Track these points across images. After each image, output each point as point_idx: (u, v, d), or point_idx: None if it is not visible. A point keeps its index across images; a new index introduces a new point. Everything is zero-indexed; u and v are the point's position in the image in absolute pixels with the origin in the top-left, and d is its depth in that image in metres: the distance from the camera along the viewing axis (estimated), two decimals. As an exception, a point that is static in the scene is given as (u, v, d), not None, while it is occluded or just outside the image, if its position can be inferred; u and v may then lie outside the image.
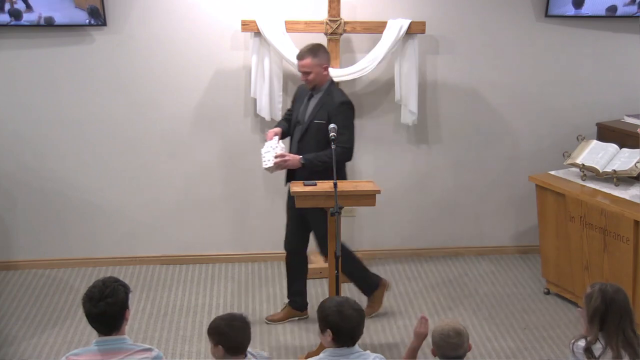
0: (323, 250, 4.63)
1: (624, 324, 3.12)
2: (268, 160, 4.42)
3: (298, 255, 4.79)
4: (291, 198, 4.51)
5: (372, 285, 4.82)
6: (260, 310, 4.99)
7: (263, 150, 4.46)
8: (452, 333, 3.08)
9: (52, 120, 5.30)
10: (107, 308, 2.93)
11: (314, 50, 4.49)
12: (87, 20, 5.05)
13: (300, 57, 4.50)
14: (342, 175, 4.56)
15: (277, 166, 4.43)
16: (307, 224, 4.65)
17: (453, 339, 3.07)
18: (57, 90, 5.26)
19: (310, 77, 4.48)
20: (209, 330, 3.15)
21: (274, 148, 4.44)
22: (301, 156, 4.43)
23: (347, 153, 4.48)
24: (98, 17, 5.05)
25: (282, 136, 4.63)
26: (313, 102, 4.53)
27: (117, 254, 5.57)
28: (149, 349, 3.05)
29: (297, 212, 4.52)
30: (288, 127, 4.69)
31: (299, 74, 5.27)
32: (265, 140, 4.54)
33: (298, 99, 4.68)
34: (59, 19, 5.01)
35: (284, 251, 5.75)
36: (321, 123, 4.44)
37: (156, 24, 5.21)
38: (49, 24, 5.01)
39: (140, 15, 5.18)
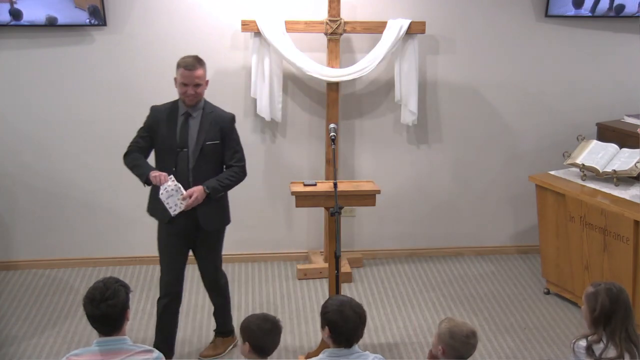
0: (213, 284, 4.28)
1: (627, 322, 3.15)
2: (175, 204, 3.95)
3: (178, 298, 4.25)
4: (173, 235, 4.08)
5: (230, 327, 4.51)
6: (260, 310, 4.99)
7: (164, 197, 3.93)
8: (470, 333, 3.06)
9: (52, 120, 5.30)
10: (108, 310, 2.94)
11: (201, 61, 4.04)
12: (88, 20, 5.05)
13: (192, 66, 3.97)
14: (226, 196, 4.24)
15: (186, 207, 3.99)
16: (185, 260, 4.21)
17: (472, 339, 3.06)
18: (58, 90, 5.26)
19: (200, 89, 4.00)
20: (240, 326, 3.18)
21: (176, 190, 3.94)
22: (204, 186, 4.00)
23: (245, 170, 4.17)
24: (98, 17, 5.05)
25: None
26: (195, 122, 4.03)
27: (117, 254, 5.57)
28: (150, 350, 3.05)
29: (182, 249, 4.15)
30: (145, 155, 4.13)
31: (300, 74, 5.30)
32: (157, 185, 3.97)
33: (161, 122, 4.06)
34: (59, 19, 5.01)
35: (283, 251, 5.78)
36: (215, 144, 4.04)
37: (156, 24, 5.22)
38: (49, 24, 5.01)
39: (140, 15, 5.18)
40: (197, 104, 4.05)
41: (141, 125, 4.17)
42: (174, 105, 4.10)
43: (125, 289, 3.03)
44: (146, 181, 4.01)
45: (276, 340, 3.16)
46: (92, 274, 5.45)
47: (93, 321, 2.99)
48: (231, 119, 4.14)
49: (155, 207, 4.08)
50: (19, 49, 5.15)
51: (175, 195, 3.95)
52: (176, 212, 3.98)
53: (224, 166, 4.15)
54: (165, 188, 3.94)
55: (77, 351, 3.03)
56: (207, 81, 4.10)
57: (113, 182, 5.44)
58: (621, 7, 5.42)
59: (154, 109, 4.15)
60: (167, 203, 3.96)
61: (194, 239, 4.17)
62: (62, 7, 4.98)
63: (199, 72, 3.99)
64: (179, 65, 4.02)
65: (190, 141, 4.02)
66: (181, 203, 3.96)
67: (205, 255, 4.26)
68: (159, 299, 4.22)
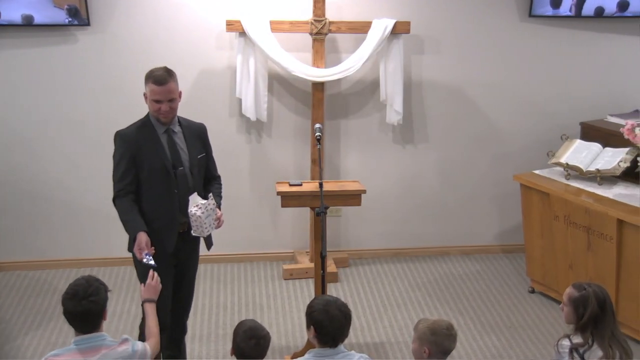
0: (184, 319, 4.02)
1: (613, 325, 3.20)
2: (210, 225, 3.69)
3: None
4: (166, 274, 3.64)
5: None
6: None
7: (204, 216, 3.61)
8: (449, 326, 3.09)
9: (37, 120, 5.26)
10: (90, 306, 2.92)
11: (172, 72, 3.65)
12: (66, 20, 5.01)
13: (163, 80, 3.57)
14: None
15: (216, 227, 3.79)
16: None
17: (452, 331, 3.09)
18: (42, 91, 5.22)
19: (175, 104, 3.64)
20: (234, 329, 3.20)
21: (213, 210, 3.68)
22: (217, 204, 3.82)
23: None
24: (77, 17, 5.01)
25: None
26: (180, 138, 3.74)
27: (101, 255, 5.53)
28: (126, 340, 3.04)
29: (170, 275, 3.80)
30: (135, 192, 3.69)
31: (285, 74, 5.29)
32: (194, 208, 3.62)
33: (141, 145, 3.65)
34: (37, 18, 4.96)
35: (269, 251, 5.75)
36: (202, 157, 3.81)
37: (141, 24, 5.19)
38: (26, 23, 4.95)
39: (125, 15, 5.16)
40: (173, 119, 3.72)
41: (116, 157, 3.71)
42: (145, 124, 3.70)
43: (105, 287, 3.02)
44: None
45: (261, 353, 3.16)
46: (76, 275, 5.28)
47: (73, 318, 2.96)
48: (205, 128, 3.90)
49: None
50: (1, 49, 5.10)
51: (212, 214, 3.67)
52: (209, 233, 3.73)
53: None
54: (206, 206, 3.62)
55: (56, 351, 2.99)
56: (181, 92, 3.72)
57: (98, 182, 5.39)
58: (600, 9, 5.46)
59: (125, 135, 3.69)
60: (205, 223, 3.64)
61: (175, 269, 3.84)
62: (41, 6, 4.93)
63: (172, 85, 3.60)
64: (147, 79, 3.63)
65: (184, 159, 3.72)
66: (214, 223, 3.71)
67: (188, 284, 3.97)
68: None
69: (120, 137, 3.70)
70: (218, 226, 3.78)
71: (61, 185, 5.40)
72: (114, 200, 3.71)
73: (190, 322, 4.70)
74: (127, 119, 5.37)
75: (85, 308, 2.92)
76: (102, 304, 2.97)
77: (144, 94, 3.69)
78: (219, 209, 3.80)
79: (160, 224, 3.70)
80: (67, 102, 5.26)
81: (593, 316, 3.17)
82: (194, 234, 3.71)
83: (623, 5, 5.46)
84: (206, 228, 3.67)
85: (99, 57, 5.21)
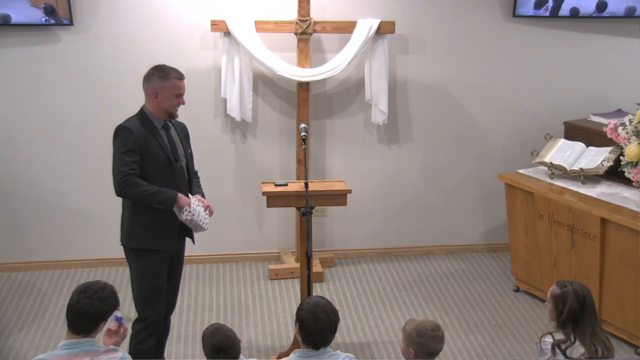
0: (171, 309, 4.07)
1: (594, 322, 3.25)
2: (205, 218, 3.82)
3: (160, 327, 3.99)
4: (164, 265, 3.81)
5: None
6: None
7: (197, 212, 3.75)
8: (435, 327, 3.10)
9: (20, 120, 5.21)
10: (92, 307, 2.91)
11: None
12: (43, 19, 4.96)
13: (182, 75, 3.77)
14: None
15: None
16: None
17: (438, 332, 3.09)
18: (25, 91, 5.17)
19: (184, 98, 3.81)
20: (202, 336, 3.24)
21: (198, 205, 3.80)
22: (200, 194, 3.94)
23: None
24: (53, 15, 4.95)
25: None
26: (174, 133, 3.84)
27: (86, 256, 5.49)
28: (115, 350, 3.02)
29: (165, 275, 3.87)
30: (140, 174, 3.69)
31: (270, 74, 5.28)
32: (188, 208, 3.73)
33: (147, 138, 3.67)
34: (15, 17, 4.91)
35: (255, 252, 5.74)
36: (191, 152, 3.94)
37: (125, 24, 5.16)
38: (3, 22, 4.89)
39: (109, 14, 5.12)
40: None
41: (123, 148, 3.63)
42: (144, 119, 3.72)
43: (116, 301, 3.01)
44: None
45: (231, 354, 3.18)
46: (61, 276, 5.38)
47: (71, 313, 2.93)
48: (186, 127, 3.99)
49: (148, 233, 3.74)
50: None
51: (200, 209, 3.79)
52: (208, 226, 3.84)
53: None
54: (192, 207, 3.74)
55: (42, 356, 2.96)
56: None
57: (82, 182, 5.37)
58: (576, 10, 5.50)
59: (131, 129, 3.65)
60: (199, 220, 3.77)
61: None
62: (18, 5, 4.87)
63: (184, 80, 3.79)
64: (165, 76, 3.70)
65: (180, 153, 3.82)
66: (206, 215, 3.83)
67: (175, 281, 4.02)
68: (147, 337, 3.81)
69: (127, 131, 3.66)
70: (211, 213, 3.88)
71: (45, 186, 5.35)
72: (124, 180, 3.59)
73: (175, 323, 4.70)
74: (111, 118, 5.33)
75: (87, 306, 2.90)
76: (104, 312, 2.95)
77: (153, 92, 3.69)
78: (204, 197, 3.92)
79: (164, 216, 3.74)
80: (51, 102, 5.22)
81: (572, 313, 3.22)
82: (196, 233, 3.89)
83: (601, 6, 5.51)
84: (203, 223, 3.81)
85: (83, 57, 5.17)
